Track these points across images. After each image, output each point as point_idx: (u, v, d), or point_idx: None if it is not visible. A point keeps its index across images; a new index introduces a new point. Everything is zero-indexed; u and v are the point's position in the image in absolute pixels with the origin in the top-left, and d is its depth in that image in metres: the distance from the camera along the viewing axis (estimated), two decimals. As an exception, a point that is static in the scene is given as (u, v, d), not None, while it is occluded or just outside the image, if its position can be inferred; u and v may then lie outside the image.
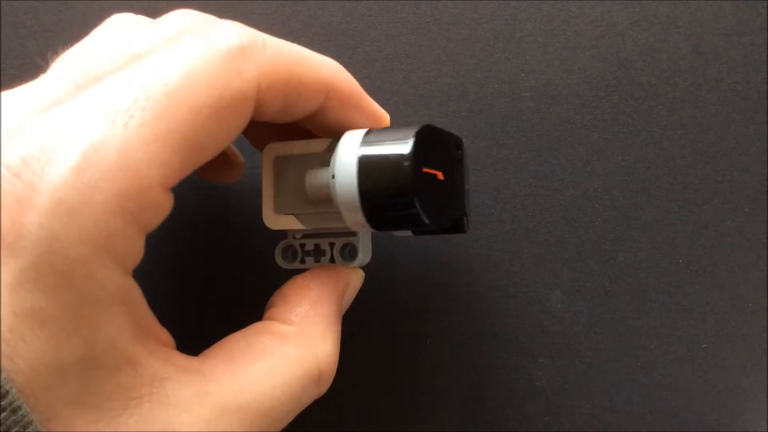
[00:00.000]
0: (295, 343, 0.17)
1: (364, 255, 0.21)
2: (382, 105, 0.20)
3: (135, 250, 0.14)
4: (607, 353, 0.26)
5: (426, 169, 0.17)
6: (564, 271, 0.26)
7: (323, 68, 0.17)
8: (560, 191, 0.26)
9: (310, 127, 0.20)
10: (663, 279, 0.26)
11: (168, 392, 0.14)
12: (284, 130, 0.21)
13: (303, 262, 0.21)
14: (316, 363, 0.17)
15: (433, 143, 0.17)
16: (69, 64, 0.15)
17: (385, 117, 0.20)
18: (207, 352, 0.17)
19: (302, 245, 0.21)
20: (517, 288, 0.26)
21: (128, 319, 0.14)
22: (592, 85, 0.26)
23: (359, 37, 0.26)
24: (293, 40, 0.18)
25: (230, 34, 0.15)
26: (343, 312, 0.20)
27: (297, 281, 0.19)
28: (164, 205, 0.14)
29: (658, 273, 0.26)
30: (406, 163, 0.16)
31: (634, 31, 0.27)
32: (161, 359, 0.15)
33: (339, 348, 0.19)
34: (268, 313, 0.19)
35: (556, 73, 0.26)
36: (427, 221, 0.16)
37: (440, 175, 0.17)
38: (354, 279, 0.20)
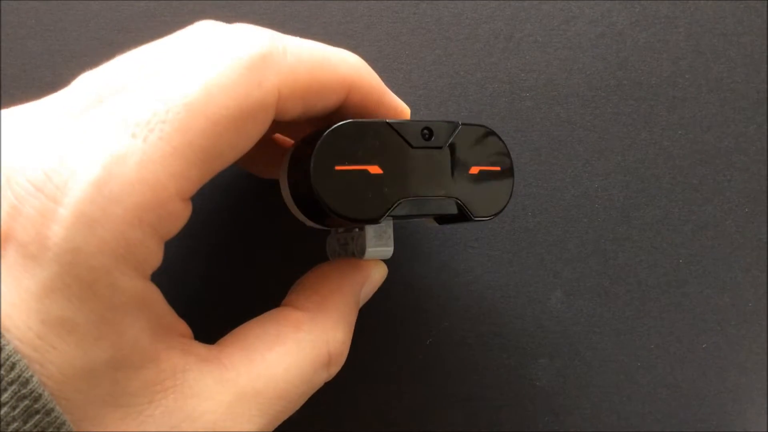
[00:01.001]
0: (308, 328, 0.18)
1: (373, 249, 0.21)
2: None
3: (154, 257, 0.14)
4: (607, 353, 0.26)
5: (342, 167, 0.17)
6: (564, 271, 0.26)
7: (344, 67, 0.17)
8: (560, 191, 0.26)
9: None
10: (663, 279, 0.26)
11: (190, 383, 0.15)
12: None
13: (339, 255, 0.22)
14: (327, 348, 0.18)
15: (365, 137, 0.17)
16: (89, 80, 0.16)
17: (405, 111, 0.20)
18: (224, 340, 0.17)
19: (338, 239, 0.22)
20: (517, 288, 0.26)
21: (149, 320, 0.15)
22: (592, 85, 0.26)
23: (359, 37, 0.26)
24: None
25: (250, 42, 0.15)
26: (362, 304, 0.21)
27: (318, 271, 0.20)
28: (182, 214, 0.15)
29: (658, 273, 0.26)
30: (310, 164, 0.16)
31: (634, 31, 0.27)
32: (181, 352, 0.15)
33: (351, 336, 0.19)
34: (287, 299, 0.19)
35: (556, 73, 0.26)
36: (347, 216, 0.17)
37: (373, 170, 0.17)
38: (375, 273, 0.21)
